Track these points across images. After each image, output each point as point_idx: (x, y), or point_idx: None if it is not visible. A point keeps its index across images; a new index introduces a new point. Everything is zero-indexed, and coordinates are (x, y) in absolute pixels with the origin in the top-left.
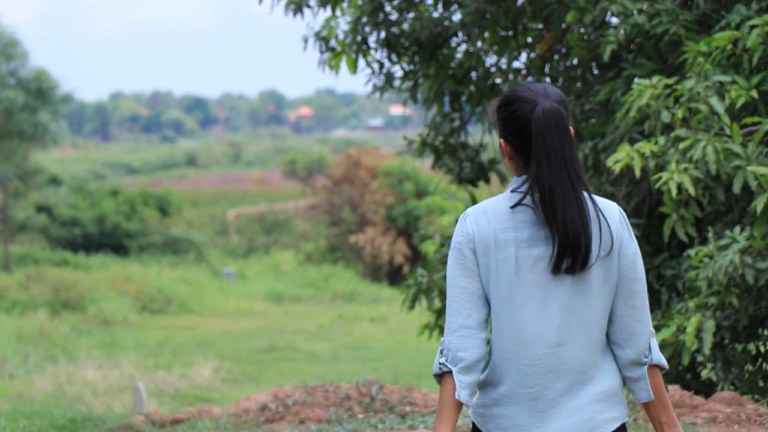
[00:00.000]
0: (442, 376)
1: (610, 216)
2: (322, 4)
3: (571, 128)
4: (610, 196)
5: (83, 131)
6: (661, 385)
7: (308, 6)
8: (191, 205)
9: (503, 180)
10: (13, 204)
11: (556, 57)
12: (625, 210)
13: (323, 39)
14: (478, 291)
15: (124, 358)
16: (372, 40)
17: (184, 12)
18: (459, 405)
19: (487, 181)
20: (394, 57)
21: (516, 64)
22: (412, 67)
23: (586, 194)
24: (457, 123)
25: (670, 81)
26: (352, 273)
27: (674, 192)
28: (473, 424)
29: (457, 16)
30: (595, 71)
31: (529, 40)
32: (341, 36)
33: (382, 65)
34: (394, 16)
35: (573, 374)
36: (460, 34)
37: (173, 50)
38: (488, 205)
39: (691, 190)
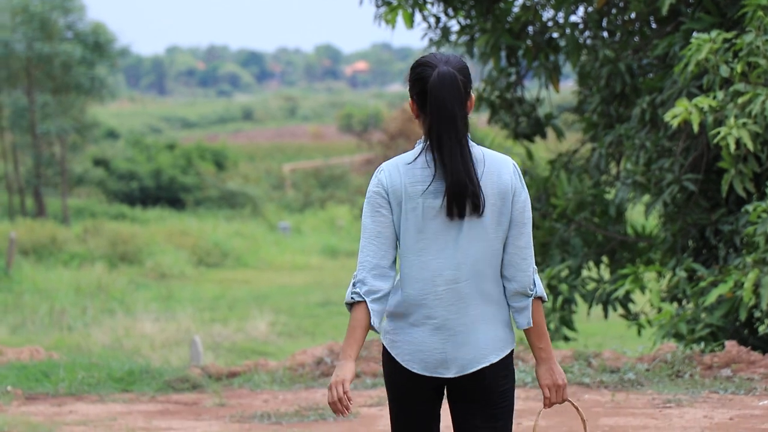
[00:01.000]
0: (353, 305)
1: (505, 168)
2: None
3: (472, 95)
4: (668, 152)
5: (140, 85)
6: (542, 316)
7: None
8: (247, 160)
9: (560, 135)
10: (70, 157)
11: (613, 11)
12: (682, 165)
13: None
14: (390, 235)
15: (180, 312)
16: None
17: None
18: (367, 329)
19: (543, 135)
20: (450, 11)
21: (573, 18)
22: (468, 21)
23: (479, 149)
24: (513, 78)
25: (729, 35)
26: None
27: (732, 147)
28: (384, 347)
29: None
30: (654, 25)
31: None
32: None
33: (438, 19)
34: None
35: (470, 306)
36: None
37: (230, 4)
38: (400, 160)
39: (750, 145)
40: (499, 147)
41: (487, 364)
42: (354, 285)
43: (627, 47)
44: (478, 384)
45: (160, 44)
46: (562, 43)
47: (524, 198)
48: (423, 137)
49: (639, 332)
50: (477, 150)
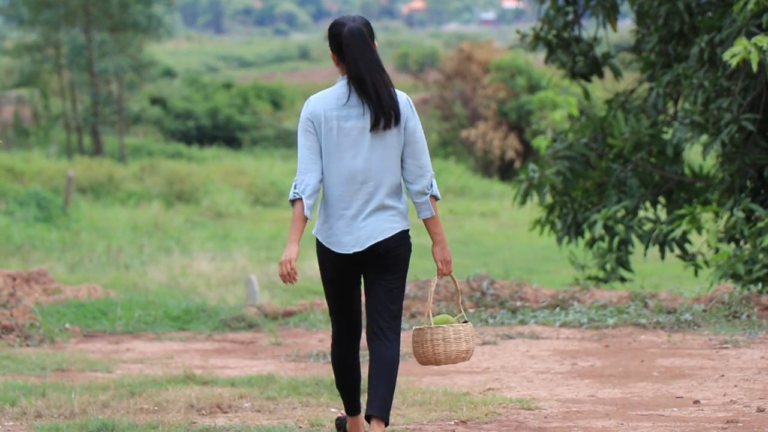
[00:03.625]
0: (294, 201)
1: (401, 100)
2: None
3: (376, 43)
4: (726, 91)
5: (197, 24)
6: (436, 209)
7: None
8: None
9: (617, 74)
10: (127, 96)
11: None
12: (741, 105)
13: None
14: (316, 148)
15: (236, 251)
16: None
17: None
18: (305, 220)
19: (601, 75)
20: None
21: None
22: None
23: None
24: (570, 17)
25: None
26: (464, 168)
27: None
28: (317, 243)
29: None
30: None
31: None
32: None
33: None
34: None
35: (375, 201)
36: None
37: None
38: (322, 93)
39: None
40: (556, 86)
41: (382, 239)
42: (294, 186)
43: None
44: (381, 255)
45: None
46: None
47: (414, 124)
48: (341, 77)
49: (696, 273)
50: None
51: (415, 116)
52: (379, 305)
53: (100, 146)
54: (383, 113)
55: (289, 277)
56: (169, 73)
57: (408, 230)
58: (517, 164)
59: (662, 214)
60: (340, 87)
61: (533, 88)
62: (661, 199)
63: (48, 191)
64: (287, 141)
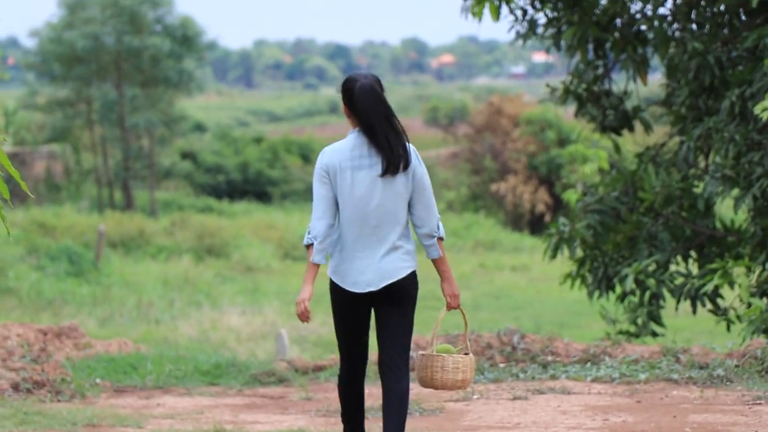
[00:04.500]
0: (309, 246)
1: (411, 151)
2: None
3: (385, 96)
4: (758, 145)
5: (227, 78)
6: (443, 250)
7: None
8: None
9: (647, 128)
10: (158, 150)
11: (702, 3)
12: None
13: None
14: (330, 197)
15: (266, 305)
16: None
17: None
18: (317, 266)
19: (631, 129)
20: (537, 4)
21: (661, 11)
22: (555, 14)
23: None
24: (601, 70)
25: None
26: (494, 221)
27: None
28: (330, 283)
29: None
30: (743, 17)
31: None
32: None
33: (525, 12)
34: None
35: (387, 243)
36: None
37: None
38: (337, 145)
39: None
40: (586, 140)
41: (397, 278)
42: (309, 232)
43: (716, 39)
44: (391, 292)
45: (248, 37)
46: (650, 35)
47: (421, 171)
48: (352, 130)
49: (728, 328)
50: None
51: (422, 165)
52: (390, 340)
53: (131, 201)
54: (394, 160)
55: (303, 316)
56: (199, 128)
57: (416, 270)
58: (548, 218)
59: (694, 269)
60: (352, 138)
61: (563, 141)
62: (693, 253)
63: (79, 246)
64: None
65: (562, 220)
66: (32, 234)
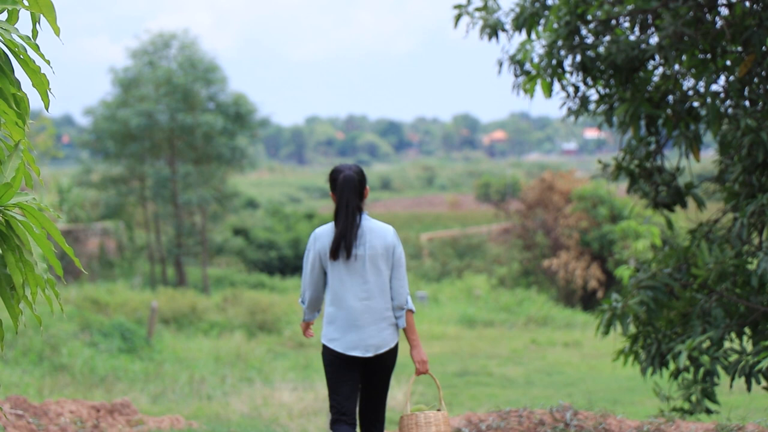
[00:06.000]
0: (303, 310)
1: (388, 233)
2: (517, 27)
3: (367, 187)
4: None
5: (279, 155)
6: (412, 320)
7: (503, 30)
8: None
9: (700, 204)
10: (211, 227)
11: (756, 80)
12: None
13: (518, 62)
14: (320, 271)
15: (318, 381)
16: (567, 63)
17: (381, 38)
18: (309, 323)
19: (684, 205)
20: (589, 80)
21: (714, 87)
22: (607, 90)
23: (372, 221)
24: (653, 146)
25: None
26: (546, 297)
27: None
28: (323, 345)
29: (654, 39)
30: None
31: (728, 62)
32: (536, 59)
33: (577, 89)
34: (589, 40)
35: (374, 315)
36: (657, 57)
37: (369, 75)
38: (325, 228)
39: None
40: (638, 216)
41: (386, 350)
42: (301, 299)
43: None
44: (380, 360)
45: (300, 114)
46: (703, 112)
47: (399, 251)
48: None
49: None
50: (370, 222)
51: (400, 244)
52: (373, 399)
53: (183, 277)
54: (336, 246)
55: (307, 334)
56: (251, 204)
57: (398, 341)
58: (600, 294)
59: (748, 346)
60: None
61: (615, 217)
62: (747, 330)
63: (132, 322)
64: None
65: (614, 296)
66: (85, 310)
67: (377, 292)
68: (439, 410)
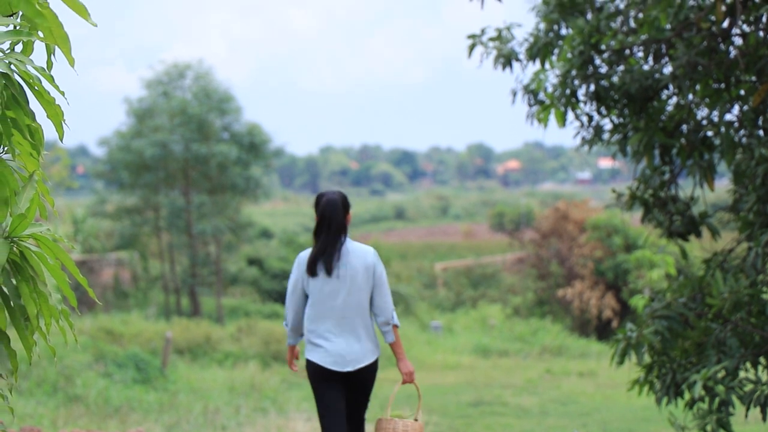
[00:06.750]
0: (287, 333)
1: (369, 254)
2: (531, 57)
3: (350, 213)
4: None
5: (294, 184)
6: (398, 334)
7: (517, 59)
8: (400, 258)
9: (715, 234)
10: (225, 257)
11: None
12: None
13: (532, 92)
14: (302, 292)
15: None
16: (581, 92)
17: (395, 68)
18: (294, 346)
19: (698, 234)
20: (603, 110)
21: (728, 117)
22: (621, 119)
23: (353, 243)
24: (667, 176)
25: None
26: (560, 327)
27: None
28: (308, 364)
29: (668, 69)
30: None
31: (742, 92)
32: (550, 89)
33: (591, 118)
34: (603, 69)
35: (353, 331)
36: (671, 86)
37: (383, 105)
38: (308, 251)
39: None
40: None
41: (365, 365)
42: (285, 317)
43: None
44: (359, 375)
45: (314, 144)
46: (717, 141)
47: (380, 270)
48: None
49: None
50: (352, 244)
51: (381, 264)
52: (354, 416)
53: (197, 307)
54: (313, 262)
55: (290, 364)
56: (266, 234)
57: (379, 356)
58: (615, 324)
59: (763, 375)
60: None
61: (630, 247)
62: (762, 360)
63: (146, 353)
64: None
65: (629, 325)
66: (100, 341)
67: (356, 311)
68: (416, 420)
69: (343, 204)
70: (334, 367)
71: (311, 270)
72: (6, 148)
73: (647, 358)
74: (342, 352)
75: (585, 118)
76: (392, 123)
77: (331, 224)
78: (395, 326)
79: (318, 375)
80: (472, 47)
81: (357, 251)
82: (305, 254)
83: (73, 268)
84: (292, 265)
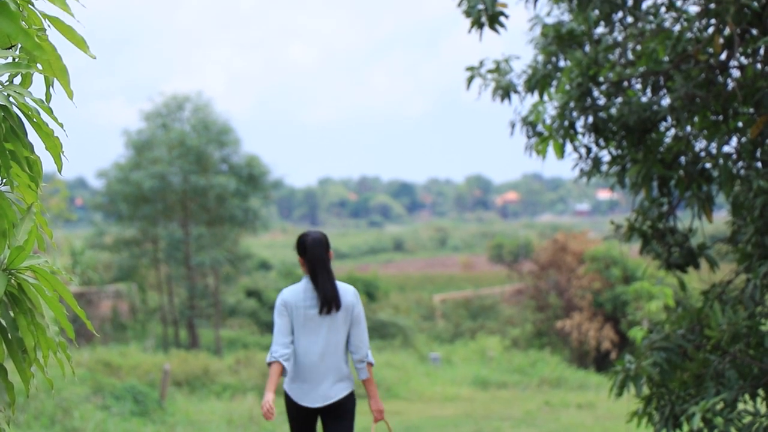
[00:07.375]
0: (271, 363)
1: (349, 292)
2: (529, 89)
3: (331, 251)
4: None
5: (292, 216)
6: (371, 372)
7: (515, 91)
8: (398, 290)
9: (713, 265)
10: (224, 289)
11: (767, 141)
12: None
13: (530, 124)
14: (289, 327)
15: None
16: (579, 124)
17: (393, 100)
18: (279, 376)
19: (697, 266)
20: (601, 141)
21: (726, 149)
22: (619, 151)
23: (336, 282)
24: (665, 208)
25: None
26: (559, 359)
27: None
28: (286, 395)
29: (666, 101)
30: None
31: (740, 124)
32: (548, 121)
33: (589, 150)
34: (601, 101)
35: (331, 371)
36: (669, 118)
37: (382, 137)
38: (294, 288)
39: None
40: (651, 277)
41: (337, 399)
42: (272, 353)
43: None
44: (334, 409)
45: (313, 176)
46: (715, 173)
47: (359, 309)
48: (305, 276)
49: None
50: (334, 282)
51: (360, 303)
52: None
53: (196, 339)
54: (327, 302)
55: (268, 414)
56: (264, 266)
57: (353, 390)
58: (613, 355)
59: (762, 407)
60: (305, 283)
61: (628, 278)
62: (761, 392)
63: (144, 385)
64: (382, 332)
65: (627, 357)
66: (97, 373)
67: (334, 349)
68: None
69: (326, 242)
70: (303, 403)
71: (323, 310)
72: (4, 180)
73: (646, 390)
74: (317, 389)
75: (583, 150)
76: (391, 155)
77: (324, 263)
78: (370, 364)
79: (295, 408)
80: (470, 79)
81: (340, 290)
82: (290, 291)
83: (71, 300)
84: None
